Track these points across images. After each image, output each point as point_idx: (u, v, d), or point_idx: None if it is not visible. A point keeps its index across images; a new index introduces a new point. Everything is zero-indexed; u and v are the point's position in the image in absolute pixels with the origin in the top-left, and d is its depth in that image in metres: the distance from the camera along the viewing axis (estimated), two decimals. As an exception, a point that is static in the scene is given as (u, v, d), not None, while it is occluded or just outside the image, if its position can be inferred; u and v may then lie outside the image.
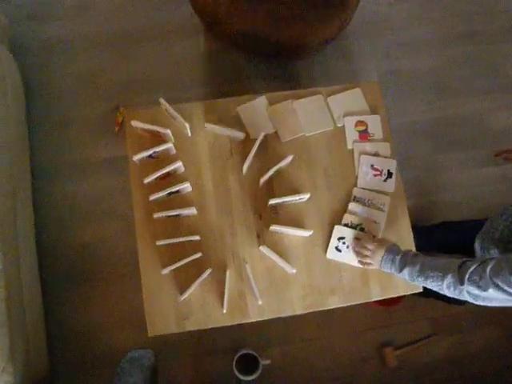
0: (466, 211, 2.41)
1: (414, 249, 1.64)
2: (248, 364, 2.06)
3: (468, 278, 1.21)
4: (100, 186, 2.33)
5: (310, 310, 1.59)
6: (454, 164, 2.49)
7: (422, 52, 2.60)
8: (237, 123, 1.70)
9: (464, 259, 1.28)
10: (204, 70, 2.51)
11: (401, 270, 1.40)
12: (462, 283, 1.23)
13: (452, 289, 1.27)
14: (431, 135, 2.51)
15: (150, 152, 1.57)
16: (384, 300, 1.93)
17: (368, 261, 1.53)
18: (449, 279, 1.26)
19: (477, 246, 1.58)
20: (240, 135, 1.66)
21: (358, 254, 1.58)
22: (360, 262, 1.58)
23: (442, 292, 1.32)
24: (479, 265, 1.21)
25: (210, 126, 1.64)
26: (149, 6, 2.55)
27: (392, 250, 1.45)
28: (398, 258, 1.42)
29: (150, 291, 1.58)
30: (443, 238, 1.90)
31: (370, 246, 1.51)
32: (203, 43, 2.52)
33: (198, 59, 2.51)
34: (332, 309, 1.63)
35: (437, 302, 2.25)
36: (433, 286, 1.32)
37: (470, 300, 1.27)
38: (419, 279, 1.35)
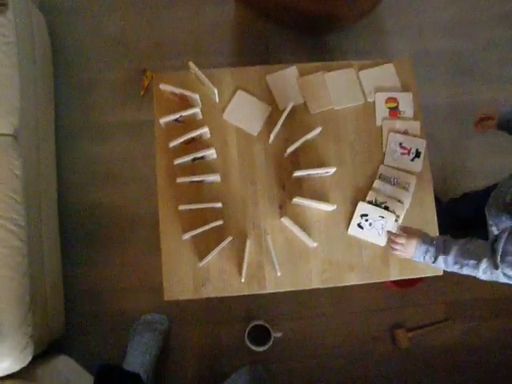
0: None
1: (437, 228, 1.62)
2: (260, 335, 2.08)
3: (501, 261, 1.19)
4: (122, 149, 2.32)
5: (328, 286, 1.59)
6: (480, 150, 2.42)
7: (455, 34, 2.51)
8: (265, 91, 1.68)
9: (492, 239, 1.26)
10: (232, 38, 2.46)
11: (435, 260, 1.35)
12: (496, 267, 1.21)
13: (488, 273, 1.26)
14: (458, 119, 2.44)
15: (177, 116, 1.56)
16: (400, 281, 1.93)
17: (401, 254, 1.44)
18: (483, 265, 1.25)
19: (487, 213, 1.55)
20: (267, 109, 1.64)
21: (391, 249, 1.48)
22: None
23: (479, 278, 1.30)
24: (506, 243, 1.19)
25: (242, 93, 1.61)
26: (180, -29, 2.50)
27: (424, 241, 1.37)
28: (431, 249, 1.35)
29: (168, 256, 1.58)
30: (465, 210, 1.86)
31: (401, 241, 1.41)
32: (234, 11, 2.47)
33: (227, 27, 2.46)
34: (347, 286, 1.62)
35: (453, 287, 2.24)
36: (469, 272, 1.31)
37: (509, 281, 1.26)
38: (455, 267, 1.32)
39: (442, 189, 2.32)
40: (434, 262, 1.36)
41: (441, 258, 1.33)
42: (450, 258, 1.32)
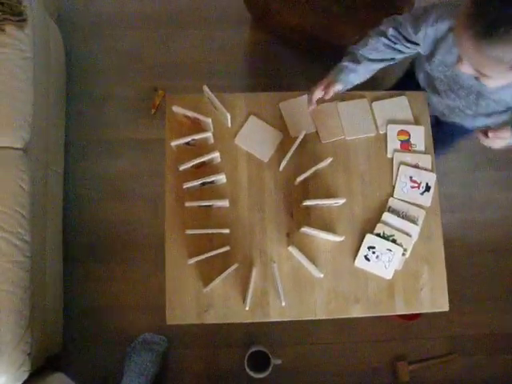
0: (499, 231, 2.36)
1: (444, 263, 1.61)
2: (259, 361, 2.05)
3: None
4: (130, 166, 2.33)
5: (333, 317, 1.57)
6: (491, 183, 2.42)
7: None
8: (277, 118, 1.68)
9: None
10: (246, 61, 2.48)
11: None
12: None
13: None
14: (470, 151, 2.45)
15: (189, 139, 1.55)
16: (403, 314, 1.91)
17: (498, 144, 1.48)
18: None
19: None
20: (279, 136, 1.65)
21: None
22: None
23: None
24: None
25: (254, 119, 1.62)
26: (197, -8, 2.53)
27: None
28: None
29: (173, 279, 1.56)
30: None
31: (494, 135, 1.43)
32: (248, 34, 2.49)
33: (241, 50, 2.48)
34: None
35: (456, 322, 2.22)
36: None
37: None
38: None
39: (448, 220, 2.31)
40: None
41: None
42: None
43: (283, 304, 1.50)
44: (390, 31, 1.50)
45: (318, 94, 1.55)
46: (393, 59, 1.59)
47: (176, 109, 1.56)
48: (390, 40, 1.52)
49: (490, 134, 1.44)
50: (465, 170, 2.43)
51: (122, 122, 2.37)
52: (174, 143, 1.56)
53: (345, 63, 1.54)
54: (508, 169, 2.44)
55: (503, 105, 1.45)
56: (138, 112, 2.38)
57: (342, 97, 1.71)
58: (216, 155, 1.56)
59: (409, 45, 1.51)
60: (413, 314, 2.05)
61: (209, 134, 1.58)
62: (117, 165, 2.32)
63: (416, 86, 1.76)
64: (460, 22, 1.10)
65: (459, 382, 2.23)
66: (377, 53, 1.55)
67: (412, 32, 1.45)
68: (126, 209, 2.28)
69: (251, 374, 2.02)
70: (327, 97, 1.56)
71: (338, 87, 1.54)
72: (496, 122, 1.56)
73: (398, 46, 1.53)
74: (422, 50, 1.50)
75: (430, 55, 1.48)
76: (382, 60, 1.57)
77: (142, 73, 2.42)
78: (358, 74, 1.55)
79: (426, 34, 1.41)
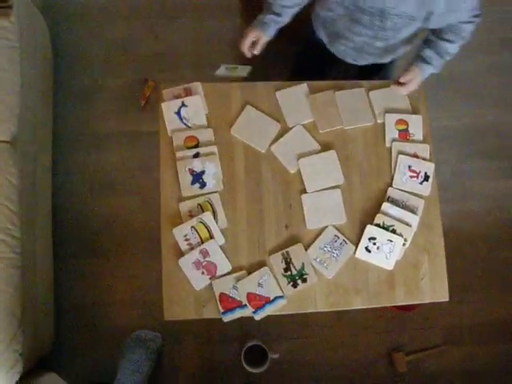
0: (491, 222, 2.36)
1: (443, 250, 1.61)
2: (256, 356, 2.02)
3: None
4: (120, 159, 2.27)
5: (333, 309, 1.55)
6: (482, 173, 2.43)
7: (462, 57, 2.51)
8: (274, 108, 1.64)
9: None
10: (236, 51, 2.43)
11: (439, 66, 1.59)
12: None
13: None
14: (463, 141, 2.46)
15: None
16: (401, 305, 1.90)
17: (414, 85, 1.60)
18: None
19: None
20: (276, 126, 1.62)
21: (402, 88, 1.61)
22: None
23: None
24: None
25: (250, 109, 1.59)
26: (185, -18, 2.47)
27: (424, 65, 1.57)
28: (431, 65, 1.58)
29: (170, 275, 1.52)
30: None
31: (404, 79, 1.58)
32: (239, 25, 2.45)
33: (232, 40, 2.43)
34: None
35: (452, 312, 2.22)
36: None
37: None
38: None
39: (441, 211, 2.31)
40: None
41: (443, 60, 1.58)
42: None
43: (284, 297, 1.48)
44: None
45: (247, 48, 1.63)
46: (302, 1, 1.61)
47: (167, 91, 1.55)
48: None
49: (401, 80, 1.57)
50: (456, 161, 2.43)
51: (111, 114, 2.30)
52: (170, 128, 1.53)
53: (269, 16, 1.58)
54: (499, 159, 2.45)
55: (407, 19, 1.43)
56: (128, 104, 2.31)
57: (339, 86, 1.69)
58: (209, 131, 1.57)
59: None
60: (410, 305, 2.04)
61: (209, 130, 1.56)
62: (106, 158, 2.27)
63: (320, 53, 1.83)
64: None
65: (455, 372, 2.24)
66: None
67: None
68: (116, 203, 2.23)
69: (248, 368, 1.99)
70: (257, 52, 1.62)
71: (265, 39, 1.61)
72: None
73: None
74: None
75: None
76: (294, 5, 1.59)
77: (131, 63, 2.36)
78: (282, 23, 1.61)
79: None
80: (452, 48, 1.56)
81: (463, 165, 2.44)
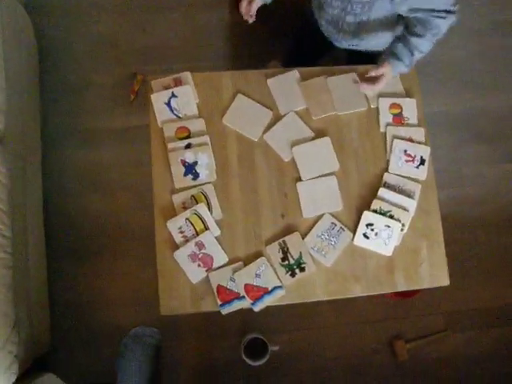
0: (490, 206, 2.35)
1: (442, 237, 1.59)
2: (256, 348, 2.00)
3: None
4: (111, 155, 2.23)
5: (333, 297, 1.52)
6: (478, 158, 2.41)
7: (454, 41, 2.49)
8: (266, 96, 1.62)
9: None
10: (226, 43, 2.40)
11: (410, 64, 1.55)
12: None
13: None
14: (456, 127, 2.43)
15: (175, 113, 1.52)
16: (400, 291, 1.88)
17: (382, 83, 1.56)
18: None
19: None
20: (268, 114, 1.59)
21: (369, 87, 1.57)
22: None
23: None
24: None
25: (242, 97, 1.56)
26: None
27: (395, 62, 1.53)
28: (402, 62, 1.53)
29: (165, 268, 1.49)
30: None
31: (375, 73, 1.53)
32: (227, 15, 2.41)
33: (221, 32, 2.41)
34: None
35: (451, 297, 2.21)
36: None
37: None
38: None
39: (438, 197, 2.29)
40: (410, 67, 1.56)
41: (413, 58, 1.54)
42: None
43: (283, 288, 1.46)
44: None
45: (245, 10, 1.57)
46: None
47: (156, 82, 1.54)
48: None
49: (372, 73, 1.53)
50: (451, 146, 2.41)
51: (100, 109, 2.26)
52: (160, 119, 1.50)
53: None
54: (494, 143, 2.43)
55: None
56: (117, 99, 2.28)
57: (330, 71, 1.66)
58: (200, 121, 1.55)
59: None
60: (409, 292, 2.02)
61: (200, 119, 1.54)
62: (97, 155, 2.23)
63: (316, 35, 1.82)
64: None
65: (456, 358, 2.22)
66: None
67: None
68: (109, 200, 2.19)
69: (249, 361, 1.97)
70: (252, 13, 1.57)
71: (259, 2, 1.57)
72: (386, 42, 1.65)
73: None
74: None
75: None
76: None
77: (119, 58, 2.32)
78: None
79: None
80: (422, 44, 1.52)
81: (458, 150, 2.42)
